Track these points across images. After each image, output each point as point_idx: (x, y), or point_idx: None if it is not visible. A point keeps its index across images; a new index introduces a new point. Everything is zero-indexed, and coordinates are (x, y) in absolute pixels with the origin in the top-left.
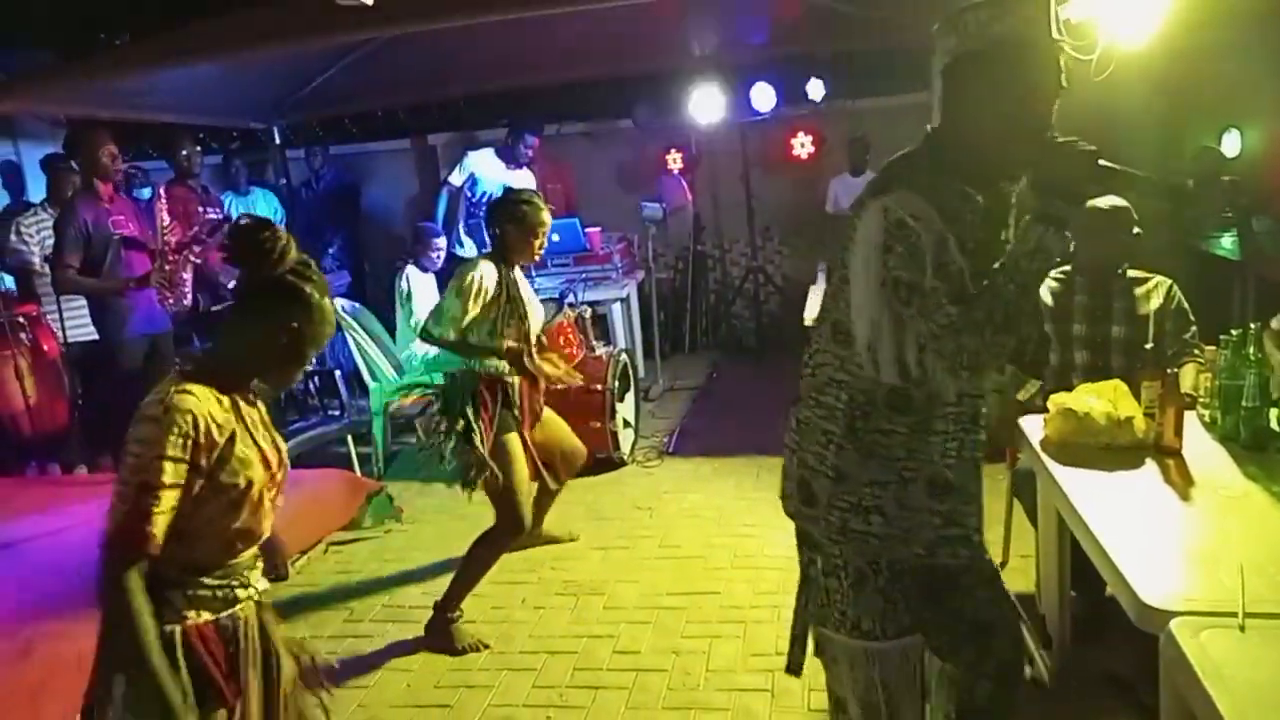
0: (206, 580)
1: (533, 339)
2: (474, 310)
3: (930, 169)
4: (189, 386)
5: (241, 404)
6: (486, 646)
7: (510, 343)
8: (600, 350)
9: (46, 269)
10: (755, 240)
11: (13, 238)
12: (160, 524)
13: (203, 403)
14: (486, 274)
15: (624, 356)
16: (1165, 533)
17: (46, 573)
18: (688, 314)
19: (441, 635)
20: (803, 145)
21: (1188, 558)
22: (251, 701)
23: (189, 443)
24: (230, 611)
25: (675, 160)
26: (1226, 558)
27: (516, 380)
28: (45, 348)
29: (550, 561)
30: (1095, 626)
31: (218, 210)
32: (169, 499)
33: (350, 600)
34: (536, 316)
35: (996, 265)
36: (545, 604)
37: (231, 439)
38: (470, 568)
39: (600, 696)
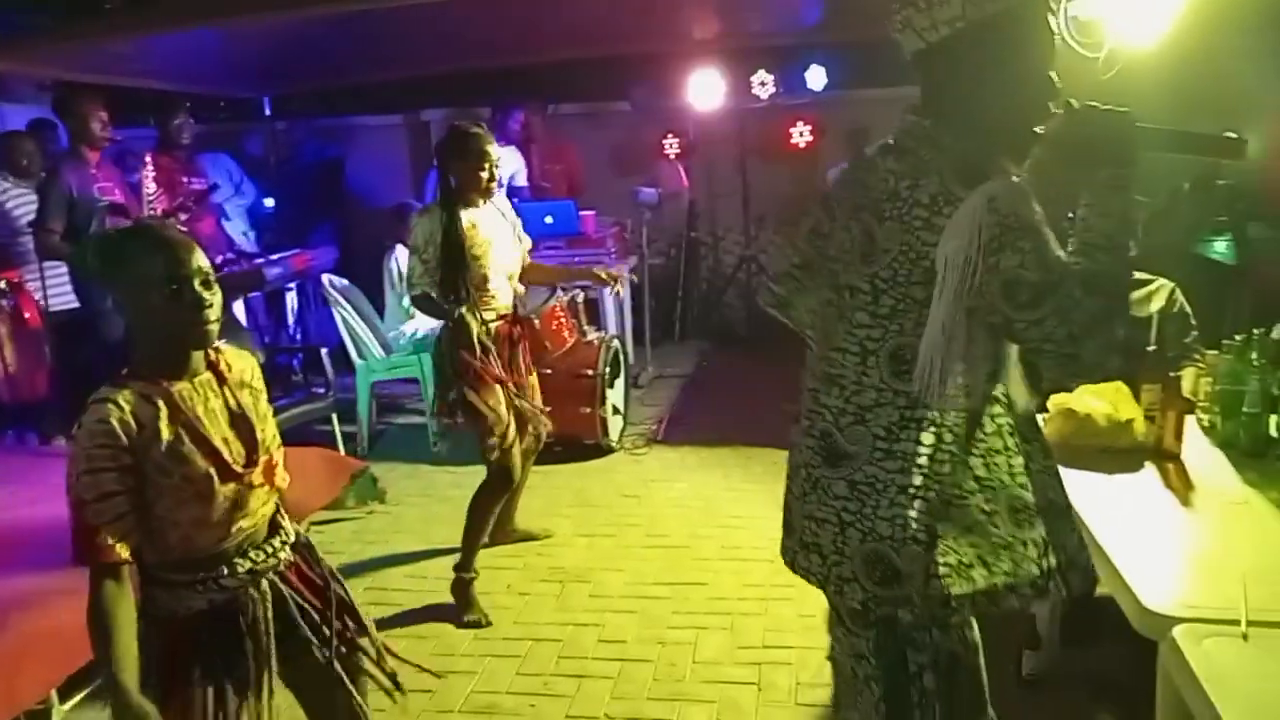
0: (188, 575)
1: (497, 277)
2: (419, 264)
3: (970, 145)
4: (108, 394)
5: (180, 394)
6: (488, 624)
7: (468, 316)
8: (592, 335)
9: (23, 237)
10: (750, 229)
11: None
12: (111, 533)
13: (120, 408)
14: (420, 225)
15: (615, 342)
16: (1165, 537)
17: (21, 544)
18: (679, 301)
19: (462, 597)
20: (801, 134)
21: (1188, 564)
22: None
23: (110, 450)
24: (226, 594)
25: (672, 145)
26: (1228, 565)
27: (491, 326)
28: (26, 315)
29: (536, 548)
30: (1084, 628)
31: (202, 180)
32: (109, 509)
33: None
34: (500, 253)
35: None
36: (530, 590)
37: (155, 437)
38: (471, 523)
39: (585, 685)
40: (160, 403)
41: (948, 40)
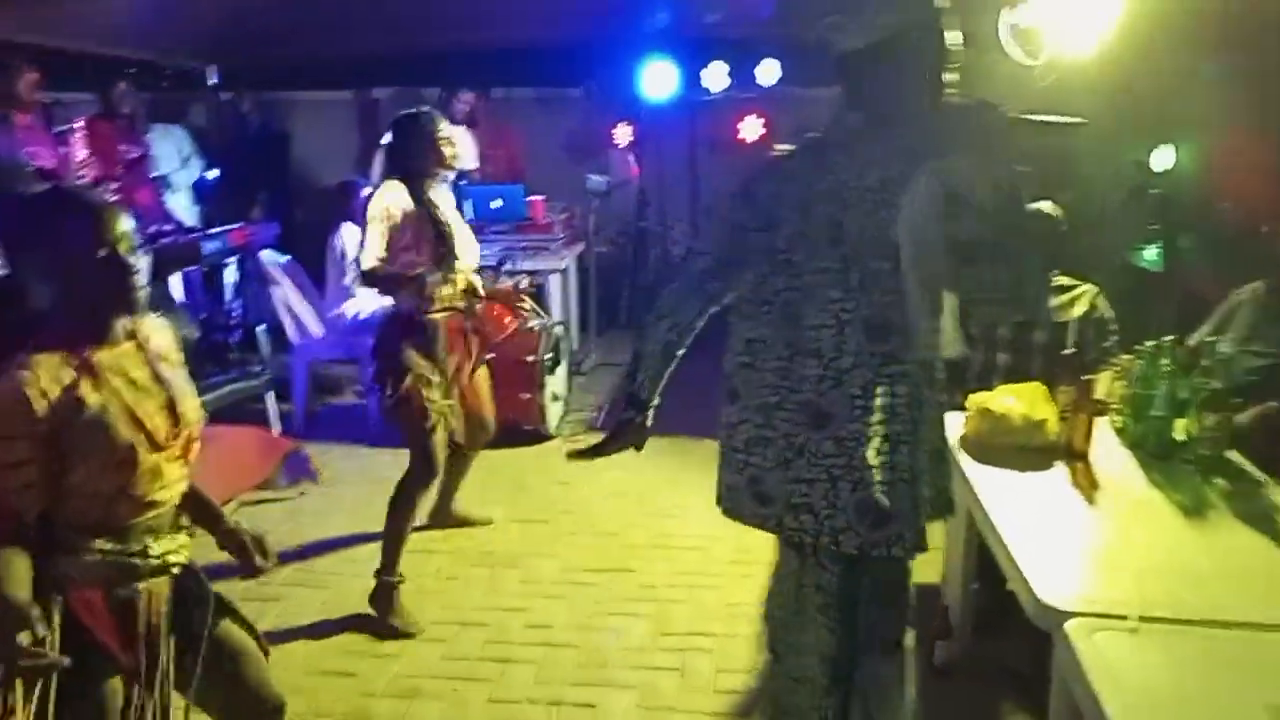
0: (98, 544)
1: (459, 264)
2: (382, 235)
3: (900, 133)
4: (25, 358)
5: (102, 363)
6: (416, 634)
7: (425, 273)
8: (533, 322)
9: None
10: (698, 220)
11: None
12: (16, 500)
13: (38, 372)
14: (389, 191)
15: (558, 329)
16: (1067, 534)
17: None
18: (626, 290)
19: (385, 604)
20: (751, 128)
21: (1087, 559)
22: (155, 675)
23: (24, 418)
24: (129, 585)
25: (624, 134)
26: (1124, 562)
27: (440, 320)
28: None
29: (467, 532)
30: (996, 619)
31: (139, 148)
32: (16, 477)
33: None
34: (464, 242)
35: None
36: (459, 575)
37: (81, 403)
38: (393, 522)
39: (509, 670)
40: (83, 372)
41: (872, 45)
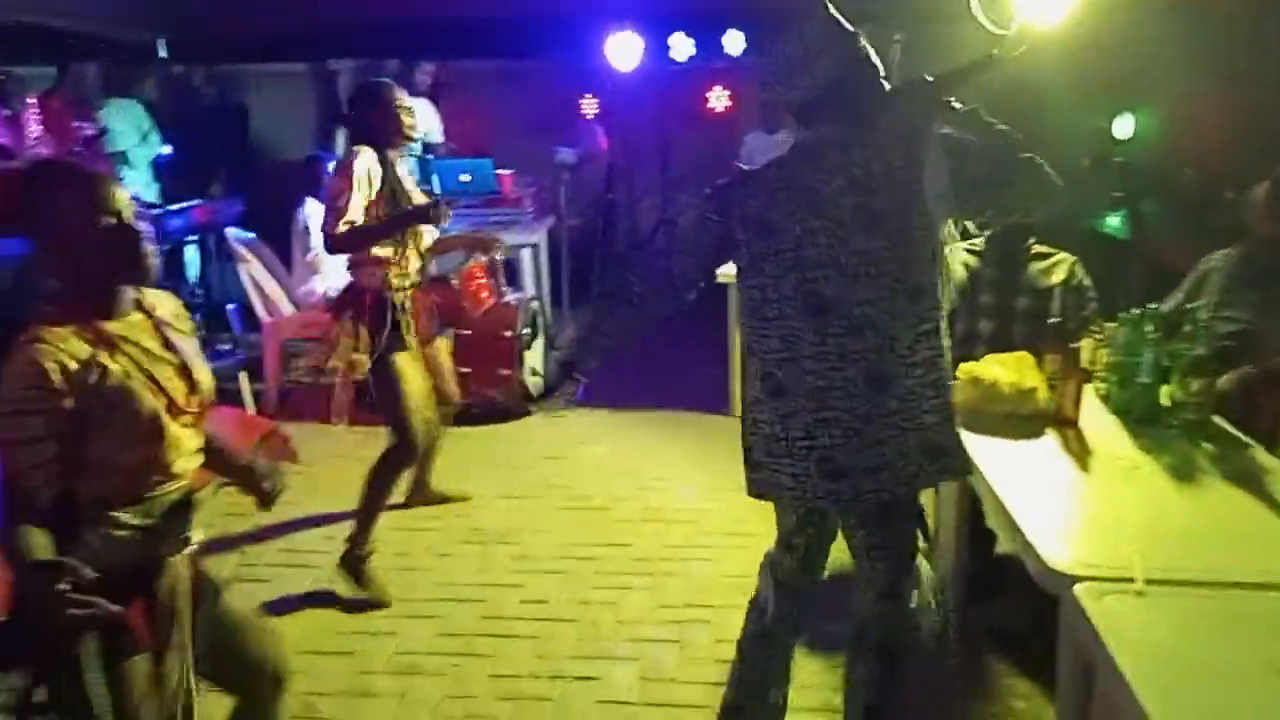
0: (122, 518)
1: (422, 241)
2: (362, 199)
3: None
4: (37, 332)
5: (116, 333)
6: (386, 605)
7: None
8: (510, 296)
9: None
10: (667, 191)
11: None
12: (40, 477)
13: (55, 345)
14: (367, 157)
15: (535, 303)
16: (1065, 500)
17: None
18: (597, 263)
19: (354, 574)
20: (718, 99)
21: (1087, 524)
22: (172, 654)
23: (41, 392)
24: (153, 561)
25: (591, 105)
26: (1122, 526)
27: (406, 294)
28: None
29: (456, 509)
30: (986, 585)
31: (92, 125)
32: (40, 452)
33: (244, 543)
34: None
35: None
36: (451, 551)
37: (103, 373)
38: (370, 495)
39: (508, 645)
40: (99, 344)
41: (813, 97)
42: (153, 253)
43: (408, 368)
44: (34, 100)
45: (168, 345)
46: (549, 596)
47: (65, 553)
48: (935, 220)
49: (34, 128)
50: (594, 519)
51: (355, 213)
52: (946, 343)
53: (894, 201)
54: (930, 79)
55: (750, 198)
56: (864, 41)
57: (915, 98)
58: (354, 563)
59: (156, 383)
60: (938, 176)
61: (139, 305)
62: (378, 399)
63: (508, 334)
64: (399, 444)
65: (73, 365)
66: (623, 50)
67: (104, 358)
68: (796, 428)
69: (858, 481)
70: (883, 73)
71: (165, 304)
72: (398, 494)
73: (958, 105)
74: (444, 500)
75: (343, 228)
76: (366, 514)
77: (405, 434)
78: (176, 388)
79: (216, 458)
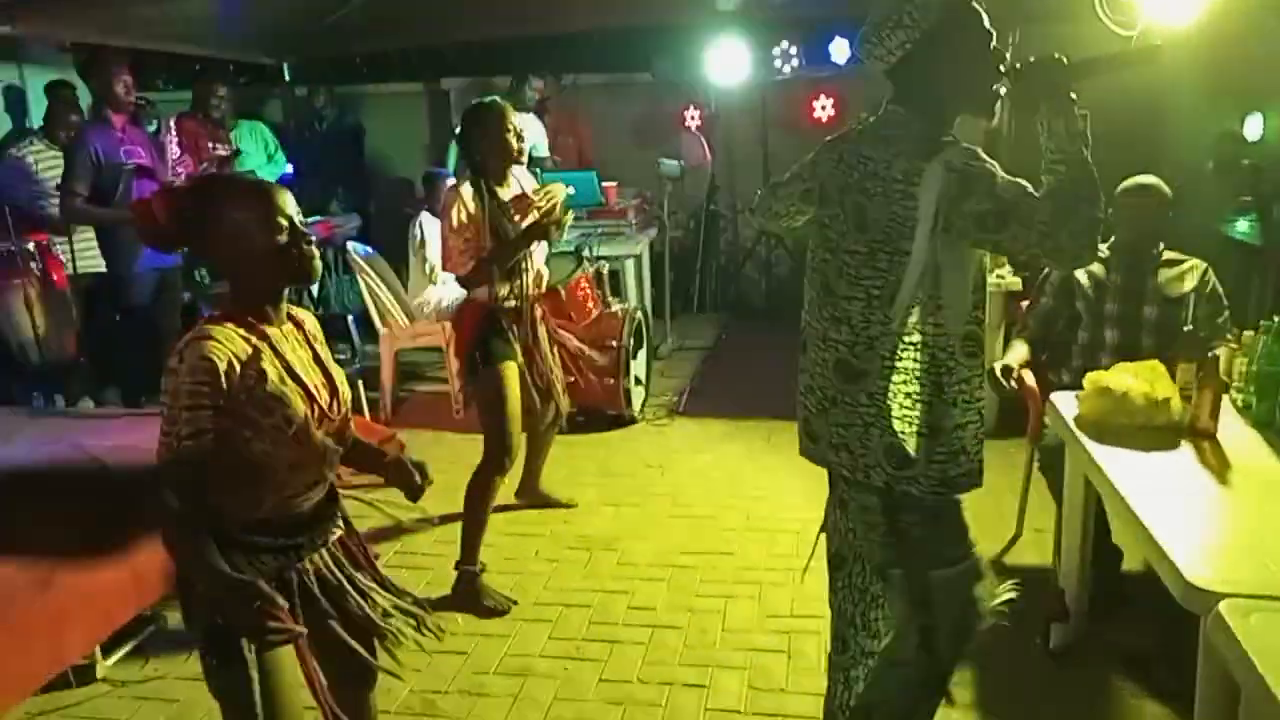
0: (267, 533)
1: (531, 256)
2: (460, 243)
3: (929, 127)
4: (208, 330)
5: (275, 339)
6: (514, 604)
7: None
8: (615, 306)
9: (49, 201)
10: None
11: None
12: (198, 472)
13: (222, 345)
14: (465, 195)
15: (639, 314)
16: (1206, 515)
17: (62, 504)
18: (698, 274)
19: (468, 594)
20: (823, 108)
21: (1230, 540)
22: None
23: (208, 389)
24: (294, 567)
25: (694, 117)
26: (1269, 541)
27: (515, 308)
28: (54, 278)
29: (562, 515)
30: (1110, 603)
31: (227, 145)
32: (200, 448)
33: None
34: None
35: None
36: (559, 558)
37: (261, 376)
38: (470, 511)
39: (617, 650)
40: (261, 343)
41: (902, 60)
42: (318, 255)
43: (511, 379)
44: (172, 122)
45: (315, 357)
46: (655, 603)
47: None
48: (921, 252)
49: (174, 149)
50: (697, 527)
51: (463, 263)
52: (969, 364)
53: (883, 211)
54: (1063, 58)
55: (824, 162)
56: (983, 27)
57: (1036, 77)
58: (468, 581)
59: (306, 390)
60: (939, 204)
61: (289, 316)
62: (479, 407)
63: (613, 343)
64: (493, 454)
65: (237, 365)
66: (727, 62)
67: (266, 359)
68: (802, 384)
69: (824, 450)
70: (995, 54)
71: (309, 319)
72: (505, 493)
73: (1075, 99)
74: (550, 504)
75: (465, 268)
76: (468, 533)
77: (500, 443)
78: (323, 396)
79: (362, 455)
